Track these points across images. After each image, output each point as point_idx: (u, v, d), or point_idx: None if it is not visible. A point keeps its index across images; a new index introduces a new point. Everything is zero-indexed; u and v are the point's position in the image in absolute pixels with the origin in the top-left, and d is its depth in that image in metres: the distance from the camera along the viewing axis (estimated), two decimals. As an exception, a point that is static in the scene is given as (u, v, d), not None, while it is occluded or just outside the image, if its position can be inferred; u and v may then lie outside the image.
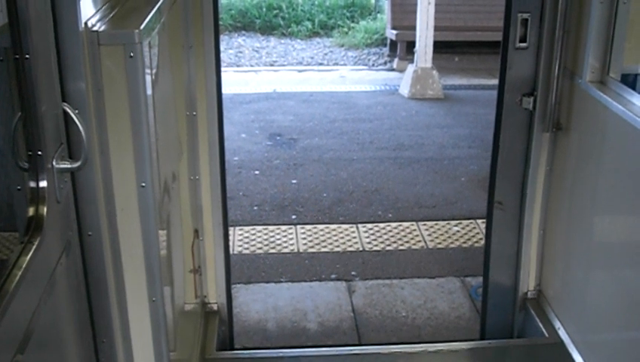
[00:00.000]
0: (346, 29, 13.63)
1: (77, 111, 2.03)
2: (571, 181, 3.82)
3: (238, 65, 12.13)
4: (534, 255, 4.17)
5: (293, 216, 6.26)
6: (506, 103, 3.92)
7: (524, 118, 3.94)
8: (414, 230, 5.98)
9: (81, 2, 2.03)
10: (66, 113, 2.02)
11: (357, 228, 6.04)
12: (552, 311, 4.09)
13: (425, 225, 6.08)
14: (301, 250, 5.65)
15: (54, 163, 1.94)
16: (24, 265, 1.71)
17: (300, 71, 11.77)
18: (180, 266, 3.33)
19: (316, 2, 14.24)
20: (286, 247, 5.70)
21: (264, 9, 14.11)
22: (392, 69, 11.59)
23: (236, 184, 6.84)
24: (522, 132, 3.97)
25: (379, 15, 13.72)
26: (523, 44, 3.81)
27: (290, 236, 5.88)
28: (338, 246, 5.72)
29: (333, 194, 6.71)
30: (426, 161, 7.53)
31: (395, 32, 11.53)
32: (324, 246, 5.72)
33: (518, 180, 4.05)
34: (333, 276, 5.29)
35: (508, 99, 3.91)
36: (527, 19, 3.76)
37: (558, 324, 4.00)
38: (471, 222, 6.11)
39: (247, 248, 5.68)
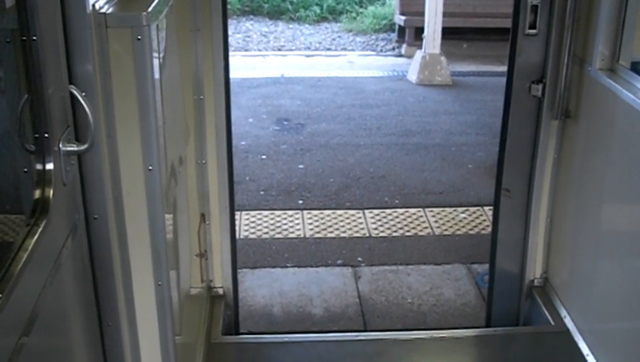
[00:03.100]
0: (354, 14, 13.59)
1: (84, 93, 2.02)
2: (579, 169, 3.80)
3: (245, 50, 12.11)
4: (541, 243, 4.16)
5: (300, 201, 6.26)
6: (515, 90, 3.90)
7: (533, 105, 3.92)
8: (421, 216, 5.97)
9: (89, -16, 2.02)
10: (73, 96, 2.01)
11: (363, 213, 6.03)
12: (558, 299, 4.08)
13: (432, 211, 6.08)
14: (307, 235, 5.65)
15: (61, 145, 1.94)
16: (30, 248, 1.71)
17: (307, 56, 11.75)
18: (186, 250, 3.33)
19: (325, -13, 14.21)
20: (292, 232, 5.70)
21: (272, -7, 14.10)
22: (400, 55, 11.57)
23: (243, 168, 6.84)
24: (531, 119, 3.95)
25: (387, 0, 13.67)
26: (532, 31, 3.78)
27: (297, 221, 5.88)
28: (344, 232, 5.72)
29: (340, 179, 6.70)
30: (434, 148, 7.52)
31: (403, 17, 11.50)
32: (331, 232, 5.71)
33: (526, 168, 4.03)
34: (339, 261, 5.29)
35: (517, 86, 3.90)
36: (537, 6, 3.73)
37: (564, 312, 4.00)
38: (478, 209, 6.10)
39: (253, 233, 5.68)
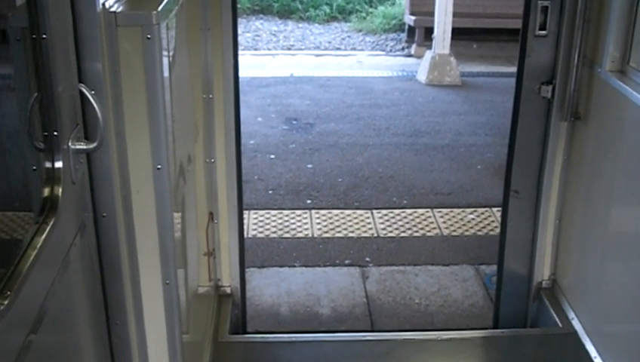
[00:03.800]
0: (364, 14, 13.59)
1: (93, 92, 2.02)
2: (589, 171, 3.79)
3: (255, 49, 12.12)
4: (549, 244, 4.15)
5: (308, 201, 6.26)
6: (525, 91, 3.90)
7: (543, 107, 3.91)
8: (429, 217, 5.97)
9: (99, -17, 2.02)
10: (82, 94, 2.01)
11: (372, 213, 6.03)
12: (566, 301, 4.07)
13: (440, 212, 6.07)
14: (315, 235, 5.65)
15: (70, 144, 1.94)
16: (38, 245, 1.71)
17: (317, 55, 11.75)
18: (194, 249, 3.33)
19: (335, -14, 14.21)
20: (300, 232, 5.70)
21: (282, -8, 14.10)
22: (410, 55, 11.56)
23: (252, 168, 6.84)
24: (540, 120, 3.94)
25: (397, 0, 13.66)
26: (542, 32, 3.78)
27: (305, 221, 5.88)
28: (352, 232, 5.72)
29: (349, 179, 6.70)
30: (443, 148, 7.51)
31: (413, 17, 11.49)
32: (339, 232, 5.71)
33: (535, 169, 4.02)
34: (347, 261, 5.29)
35: (526, 87, 3.89)
36: (547, 7, 3.73)
37: (572, 314, 3.99)
38: (486, 210, 6.09)
39: (261, 232, 5.68)
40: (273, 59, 11.48)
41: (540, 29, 3.77)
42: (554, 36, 3.78)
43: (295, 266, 5.22)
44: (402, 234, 5.69)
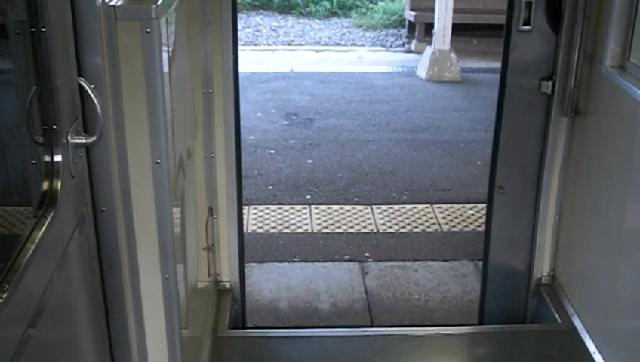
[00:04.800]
0: (364, 10, 13.57)
1: (93, 86, 2.02)
2: (588, 166, 3.79)
3: (255, 44, 12.11)
4: (549, 240, 4.15)
5: (308, 196, 6.26)
6: (509, 86, 3.91)
7: (542, 102, 3.91)
8: (429, 212, 5.97)
9: (99, -24, 2.02)
10: (81, 88, 2.01)
11: (371, 209, 6.03)
12: (565, 297, 4.07)
13: (440, 207, 6.07)
14: (315, 230, 5.65)
15: (69, 137, 1.94)
16: (37, 239, 1.71)
17: (317, 51, 11.74)
18: (194, 244, 3.33)
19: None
20: (300, 227, 5.70)
21: (283, -12, 14.08)
22: (410, 51, 11.55)
23: (251, 163, 6.84)
24: (539, 116, 3.94)
25: (398, -4, 13.67)
26: (526, 27, 3.77)
27: (305, 216, 5.87)
28: (352, 228, 5.71)
29: (348, 174, 6.70)
30: (442, 144, 7.50)
31: (413, 13, 11.49)
32: (338, 227, 5.71)
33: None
34: (346, 257, 5.29)
35: (510, 83, 3.90)
36: (530, 2, 3.72)
37: (571, 311, 3.98)
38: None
39: (261, 227, 5.68)
40: (273, 54, 11.47)
41: (524, 24, 3.77)
42: (538, 31, 3.77)
43: (294, 261, 5.22)
44: (402, 230, 5.69)
